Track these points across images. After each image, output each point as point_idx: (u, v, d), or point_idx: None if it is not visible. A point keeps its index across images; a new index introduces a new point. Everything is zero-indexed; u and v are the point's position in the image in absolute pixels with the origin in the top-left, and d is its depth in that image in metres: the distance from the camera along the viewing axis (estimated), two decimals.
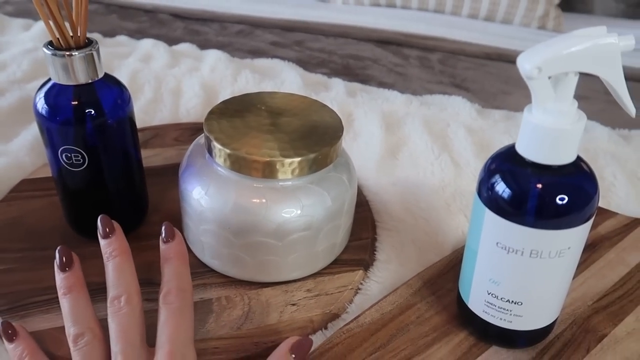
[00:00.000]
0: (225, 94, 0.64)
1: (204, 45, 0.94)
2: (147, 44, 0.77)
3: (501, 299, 0.31)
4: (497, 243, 0.29)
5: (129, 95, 0.40)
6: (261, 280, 0.40)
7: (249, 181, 0.37)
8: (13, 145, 0.53)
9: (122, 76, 0.66)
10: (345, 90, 0.65)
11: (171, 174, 0.51)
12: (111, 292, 0.31)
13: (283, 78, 0.69)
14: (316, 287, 0.40)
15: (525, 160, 0.28)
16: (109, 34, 0.96)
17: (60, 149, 0.37)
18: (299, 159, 0.36)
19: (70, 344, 0.29)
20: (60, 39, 0.35)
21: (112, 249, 0.32)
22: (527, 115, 0.28)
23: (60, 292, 0.31)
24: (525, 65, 0.25)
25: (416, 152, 0.54)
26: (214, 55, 0.73)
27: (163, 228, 0.33)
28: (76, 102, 0.37)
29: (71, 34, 0.36)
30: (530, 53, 0.25)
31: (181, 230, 0.43)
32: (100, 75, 0.37)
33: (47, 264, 0.40)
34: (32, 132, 0.54)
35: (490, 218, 0.29)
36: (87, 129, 0.37)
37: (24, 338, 0.31)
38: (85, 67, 0.36)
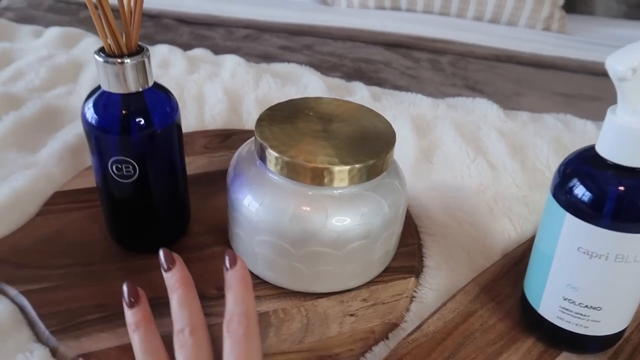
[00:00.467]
0: (249, 100, 0.63)
1: (212, 50, 0.93)
2: (163, 50, 0.76)
3: (579, 304, 0.31)
4: (578, 248, 0.29)
5: (177, 103, 0.39)
6: (316, 290, 0.39)
7: (306, 189, 0.36)
8: (41, 156, 0.51)
9: None
10: (370, 94, 0.64)
11: (206, 183, 0.51)
12: (176, 325, 0.30)
13: (305, 82, 0.68)
14: (371, 296, 0.39)
15: (607, 162, 0.28)
16: None
17: (111, 160, 0.36)
18: (358, 165, 0.35)
19: None
20: (112, 45, 0.34)
21: (174, 280, 0.32)
22: (611, 117, 0.27)
23: (130, 329, 0.30)
24: (618, 66, 0.25)
25: (450, 156, 0.53)
26: (231, 60, 0.72)
27: (226, 256, 0.32)
28: (126, 111, 0.36)
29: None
30: (621, 55, 0.25)
31: (229, 241, 0.42)
32: (151, 83, 0.36)
33: (94, 280, 0.39)
34: (59, 142, 0.53)
35: (571, 222, 0.29)
36: (139, 139, 0.36)
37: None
38: (136, 75, 0.35)
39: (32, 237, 0.42)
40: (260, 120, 0.39)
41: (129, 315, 0.31)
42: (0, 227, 0.43)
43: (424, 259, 0.43)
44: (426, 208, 0.48)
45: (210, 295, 0.38)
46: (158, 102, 0.37)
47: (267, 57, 0.94)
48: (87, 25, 1.07)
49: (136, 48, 0.35)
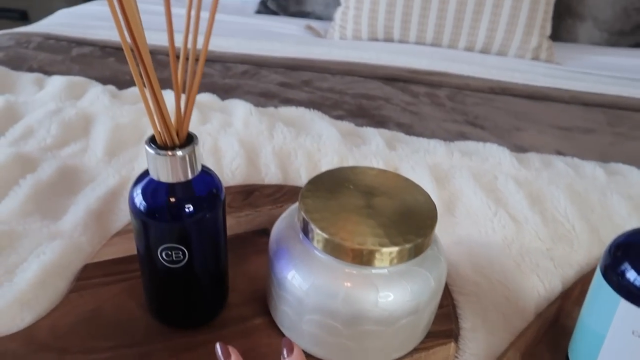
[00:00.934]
0: (266, 152, 0.63)
1: (212, 88, 0.93)
2: (169, 95, 0.75)
3: None
4: (633, 332, 0.30)
5: (221, 183, 0.39)
6: None
7: (356, 269, 0.36)
8: (65, 224, 0.50)
9: None
10: (385, 143, 0.66)
11: (237, 247, 0.51)
12: None
13: (318, 130, 0.69)
14: None
15: None
16: (113, 80, 0.94)
17: (161, 247, 0.36)
18: (407, 245, 0.36)
19: None
20: (165, 136, 0.34)
21: None
22: None
23: None
24: None
25: (472, 208, 0.55)
26: (241, 108, 0.73)
27: (283, 347, 0.33)
28: (176, 199, 0.36)
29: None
30: None
31: (270, 311, 0.42)
32: (198, 170, 0.36)
33: None
34: (81, 208, 0.52)
35: (626, 307, 0.30)
36: (189, 225, 0.36)
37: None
38: (186, 165, 0.35)
39: (70, 317, 0.41)
40: (304, 197, 0.39)
41: None
42: (35, 307, 0.42)
43: (459, 320, 0.44)
44: (455, 265, 0.49)
45: None
46: (205, 185, 0.37)
47: (268, 96, 0.95)
48: (82, 64, 1.06)
49: (186, 137, 0.35)
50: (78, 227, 0.50)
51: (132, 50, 0.31)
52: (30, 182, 0.54)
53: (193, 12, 0.32)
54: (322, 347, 0.39)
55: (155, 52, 1.10)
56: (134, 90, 0.80)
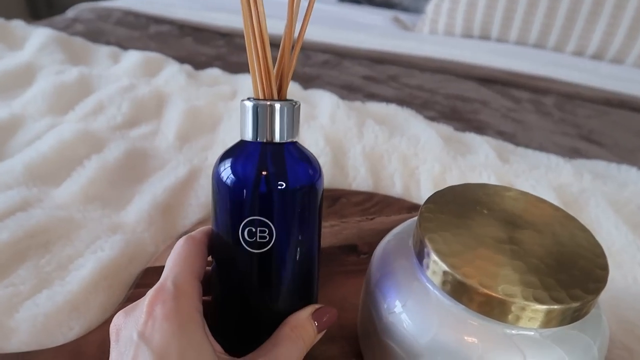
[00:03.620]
0: (355, 153, 0.54)
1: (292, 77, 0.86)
2: (249, 81, 0.68)
3: None
4: None
5: (319, 166, 0.31)
6: None
7: (497, 327, 0.27)
8: (128, 216, 0.44)
9: (235, 125, 0.58)
10: (495, 154, 0.55)
11: (321, 264, 0.42)
12: None
13: (415, 132, 0.59)
14: None
15: None
16: (189, 60, 0.88)
17: (245, 221, 0.28)
18: (574, 305, 0.26)
19: None
20: (266, 89, 0.28)
21: None
22: None
23: None
24: None
25: (615, 247, 0.44)
26: (328, 101, 0.64)
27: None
28: (271, 162, 0.29)
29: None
30: None
31: (364, 356, 0.34)
32: (296, 137, 0.30)
33: None
34: (146, 198, 0.46)
35: None
36: (278, 199, 0.29)
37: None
38: (283, 124, 0.29)
39: None
40: (425, 220, 0.30)
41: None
42: (85, 314, 0.36)
43: None
44: None
45: None
46: (303, 155, 0.30)
47: (351, 89, 0.86)
48: (158, 42, 1.02)
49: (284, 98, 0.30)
50: (142, 221, 0.43)
51: None
52: (95, 165, 0.48)
53: None
54: None
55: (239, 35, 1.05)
56: (211, 72, 0.74)
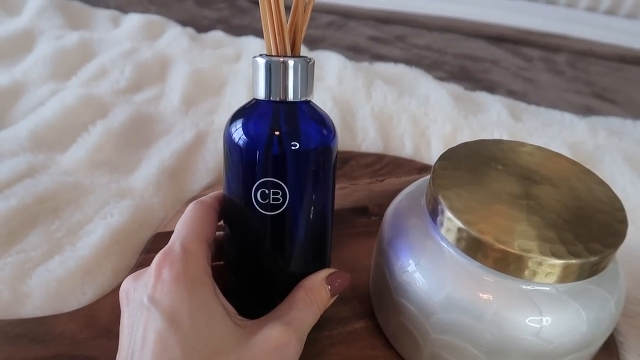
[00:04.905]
0: (364, 113, 0.53)
1: None
2: (254, 43, 0.67)
3: None
4: None
5: (334, 127, 0.30)
6: None
7: (513, 282, 0.26)
8: (136, 181, 0.44)
9: (241, 88, 0.56)
10: (507, 112, 0.54)
11: (342, 220, 0.42)
12: None
13: (425, 92, 0.58)
14: None
15: None
16: (191, 23, 0.86)
17: (258, 182, 0.28)
18: (592, 259, 0.25)
19: None
20: (279, 44, 0.27)
21: None
22: None
23: None
24: None
25: (630, 203, 0.43)
26: (335, 62, 0.63)
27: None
28: (285, 123, 0.28)
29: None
30: None
31: (376, 315, 0.34)
32: (311, 95, 0.29)
33: None
34: (154, 162, 0.45)
35: None
36: (291, 159, 0.28)
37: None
38: (298, 81, 0.27)
39: None
40: (439, 177, 0.30)
41: None
42: (98, 279, 0.36)
43: (620, 351, 0.34)
44: None
45: None
46: (318, 116, 0.29)
47: (357, 50, 0.84)
48: (159, 5, 1.00)
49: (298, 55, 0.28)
50: (150, 186, 0.43)
51: None
52: (101, 130, 0.48)
53: None
54: None
55: None
56: (214, 35, 0.72)
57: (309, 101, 0.29)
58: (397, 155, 0.50)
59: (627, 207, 0.42)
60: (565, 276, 0.26)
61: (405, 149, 0.51)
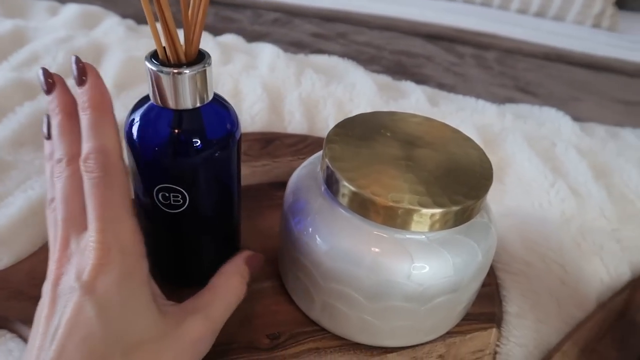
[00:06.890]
0: (292, 98, 0.56)
1: (240, 34, 0.86)
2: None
3: None
4: None
5: (237, 118, 0.32)
6: (385, 345, 0.33)
7: (389, 232, 0.29)
8: None
9: None
10: (426, 97, 0.58)
11: (249, 199, 0.44)
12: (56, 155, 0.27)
13: (352, 80, 0.61)
14: (448, 352, 0.33)
15: None
16: (135, 18, 0.87)
17: (157, 187, 0.29)
18: (454, 208, 0.28)
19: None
20: (169, 50, 0.27)
21: (53, 106, 0.28)
22: None
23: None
24: None
25: (525, 177, 0.47)
26: (269, 51, 0.65)
27: (74, 66, 0.28)
28: (179, 130, 0.28)
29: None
30: None
31: (280, 275, 0.36)
32: (211, 96, 0.29)
33: None
34: None
35: None
36: (193, 163, 0.29)
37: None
38: (195, 88, 0.27)
39: None
40: (330, 142, 0.32)
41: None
42: (14, 247, 0.37)
43: (503, 303, 0.37)
44: (502, 239, 0.42)
45: (261, 346, 0.32)
46: (216, 117, 0.30)
47: (299, 46, 0.87)
48: (105, 0, 1.00)
49: (196, 54, 0.28)
50: None
51: None
52: (28, 111, 0.49)
53: None
54: (338, 323, 0.32)
55: None
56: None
57: (209, 102, 0.29)
58: (321, 136, 0.53)
59: (523, 180, 0.47)
60: (432, 224, 0.29)
61: (329, 130, 0.53)
